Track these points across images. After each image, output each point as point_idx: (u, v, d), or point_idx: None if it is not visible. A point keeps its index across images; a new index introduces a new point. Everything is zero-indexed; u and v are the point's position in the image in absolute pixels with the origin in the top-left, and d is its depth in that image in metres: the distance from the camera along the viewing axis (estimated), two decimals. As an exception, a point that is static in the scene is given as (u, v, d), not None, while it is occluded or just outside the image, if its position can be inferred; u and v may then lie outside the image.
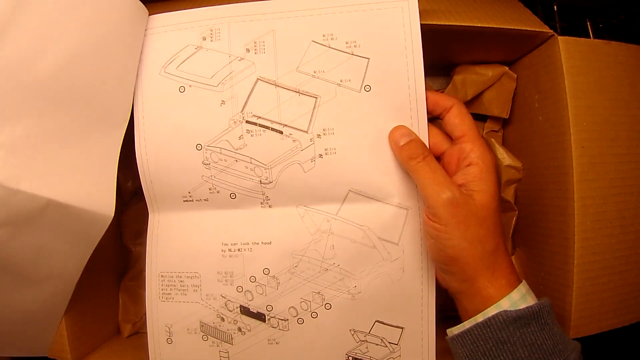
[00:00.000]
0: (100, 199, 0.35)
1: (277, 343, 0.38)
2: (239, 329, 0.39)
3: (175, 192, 0.38)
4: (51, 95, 0.32)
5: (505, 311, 0.31)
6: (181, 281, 0.39)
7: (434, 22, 0.36)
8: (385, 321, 0.38)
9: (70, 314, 0.40)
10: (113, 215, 0.35)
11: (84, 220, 0.34)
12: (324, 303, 0.38)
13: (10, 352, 0.41)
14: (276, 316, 0.38)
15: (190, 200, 0.38)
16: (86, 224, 0.35)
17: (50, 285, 0.37)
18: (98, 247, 0.43)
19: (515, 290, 0.32)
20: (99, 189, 0.35)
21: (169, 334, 0.40)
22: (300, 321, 0.38)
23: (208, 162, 0.37)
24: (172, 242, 0.39)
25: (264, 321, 0.39)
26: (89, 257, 0.36)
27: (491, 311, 0.32)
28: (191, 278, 0.39)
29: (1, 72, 0.30)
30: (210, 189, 0.38)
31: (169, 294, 0.39)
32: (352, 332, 0.38)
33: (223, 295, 0.39)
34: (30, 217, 0.32)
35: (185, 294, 0.39)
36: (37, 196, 0.31)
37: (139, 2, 0.37)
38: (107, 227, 0.35)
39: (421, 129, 0.36)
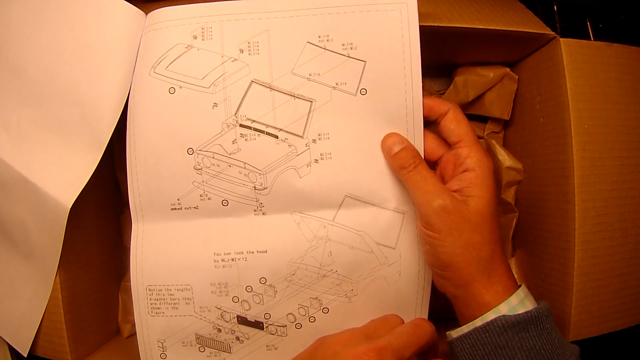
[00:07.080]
0: (64, 188, 0.36)
1: (275, 348, 0.38)
2: (237, 338, 0.38)
3: (164, 199, 0.37)
4: (43, 91, 0.38)
5: (503, 316, 0.31)
6: (171, 294, 0.37)
7: (436, 24, 0.36)
8: None
9: (70, 314, 0.39)
10: (70, 207, 0.35)
11: (43, 203, 0.37)
12: (322, 308, 0.37)
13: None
14: (274, 323, 0.38)
15: (178, 209, 0.37)
16: (46, 208, 0.37)
17: (34, 265, 0.39)
18: (98, 246, 0.44)
19: (513, 295, 0.32)
20: (67, 179, 0.36)
21: (162, 349, 0.38)
22: (299, 326, 0.38)
23: (200, 167, 0.36)
24: (159, 253, 0.37)
25: (262, 329, 0.38)
26: (60, 248, 0.37)
27: (490, 316, 0.32)
28: (182, 291, 0.37)
29: (6, 70, 0.38)
30: (201, 196, 0.36)
31: (158, 308, 0.37)
32: None
33: (218, 306, 0.37)
34: (8, 186, 0.38)
35: (177, 308, 0.37)
36: (13, 169, 0.37)
37: (134, 7, 0.36)
38: (65, 218, 0.36)
39: (417, 135, 0.35)
